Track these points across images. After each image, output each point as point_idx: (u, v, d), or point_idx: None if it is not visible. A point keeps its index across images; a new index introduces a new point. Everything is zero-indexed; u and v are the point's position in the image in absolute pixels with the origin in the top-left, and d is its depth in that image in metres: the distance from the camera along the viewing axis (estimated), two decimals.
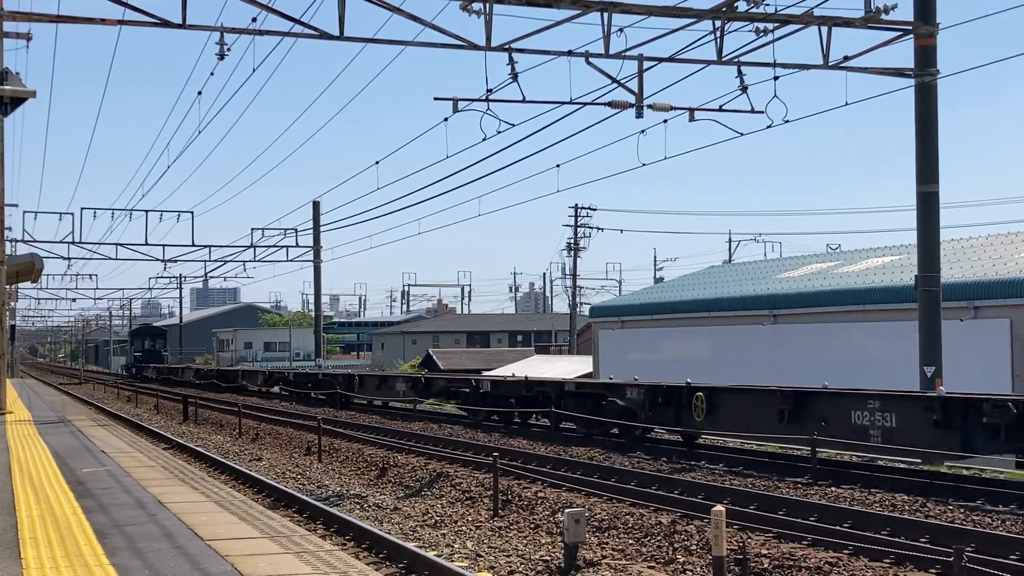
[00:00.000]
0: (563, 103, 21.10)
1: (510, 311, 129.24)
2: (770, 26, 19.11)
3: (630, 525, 13.25)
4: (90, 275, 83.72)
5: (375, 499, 16.54)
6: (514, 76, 19.06)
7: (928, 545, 11.18)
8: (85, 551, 8.58)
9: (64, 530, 9.60)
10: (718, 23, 19.14)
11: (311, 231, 54.78)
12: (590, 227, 69.64)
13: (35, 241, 48.59)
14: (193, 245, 52.07)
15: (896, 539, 11.52)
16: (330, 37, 17.85)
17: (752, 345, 35.60)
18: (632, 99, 20.17)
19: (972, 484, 15.77)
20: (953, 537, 11.19)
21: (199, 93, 26.18)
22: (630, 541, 12.62)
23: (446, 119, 22.12)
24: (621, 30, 19.10)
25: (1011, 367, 26.94)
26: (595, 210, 70.17)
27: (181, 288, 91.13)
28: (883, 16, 19.12)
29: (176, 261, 54.00)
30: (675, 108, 20.86)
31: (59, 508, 10.96)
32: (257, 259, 54.38)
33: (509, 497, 15.52)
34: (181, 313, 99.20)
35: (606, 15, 18.43)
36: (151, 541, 9.01)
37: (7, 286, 29.27)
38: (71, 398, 46.57)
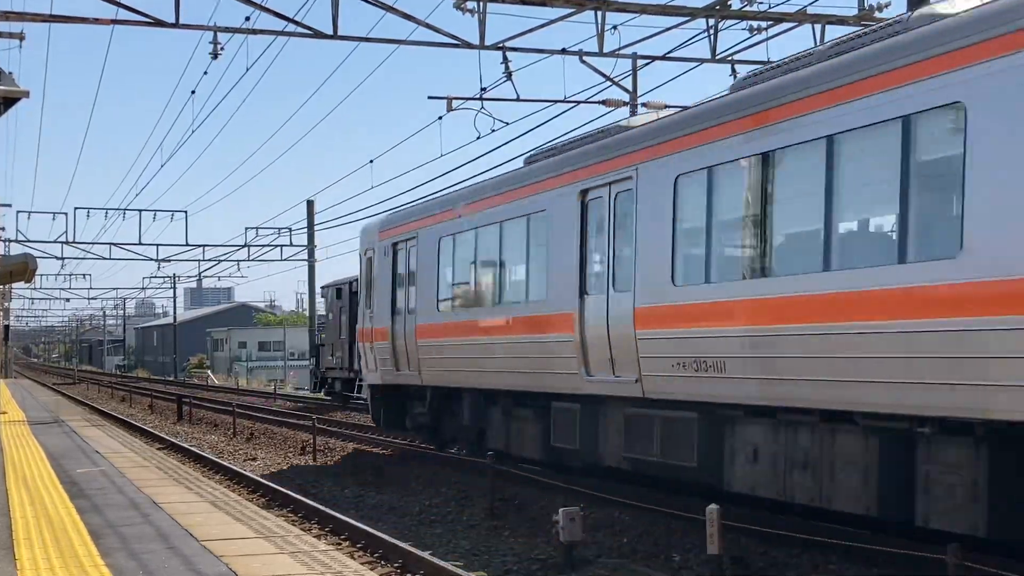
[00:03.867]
0: (557, 101, 21.16)
1: None
2: (763, 24, 19.13)
3: (626, 523, 13.24)
4: (84, 275, 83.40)
5: (371, 499, 16.52)
6: (508, 75, 19.10)
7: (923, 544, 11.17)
8: (80, 552, 8.56)
9: (59, 531, 9.57)
10: (711, 21, 19.16)
11: (305, 230, 54.74)
12: None
13: (29, 241, 48.62)
14: (187, 244, 52.15)
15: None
16: (324, 36, 17.84)
17: None
18: (626, 97, 20.22)
19: None
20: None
21: (192, 92, 26.27)
22: (626, 539, 12.61)
23: (440, 118, 22.20)
24: (615, 28, 19.14)
25: None
26: None
27: (175, 288, 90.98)
28: (876, 14, 19.14)
29: (170, 260, 54.10)
30: (669, 106, 20.86)
31: (53, 509, 10.94)
32: (251, 258, 54.46)
33: (505, 496, 15.51)
34: (175, 313, 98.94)
35: (600, 13, 18.44)
36: (146, 542, 8.99)
37: (1, 286, 29.23)
38: (65, 398, 46.49)
